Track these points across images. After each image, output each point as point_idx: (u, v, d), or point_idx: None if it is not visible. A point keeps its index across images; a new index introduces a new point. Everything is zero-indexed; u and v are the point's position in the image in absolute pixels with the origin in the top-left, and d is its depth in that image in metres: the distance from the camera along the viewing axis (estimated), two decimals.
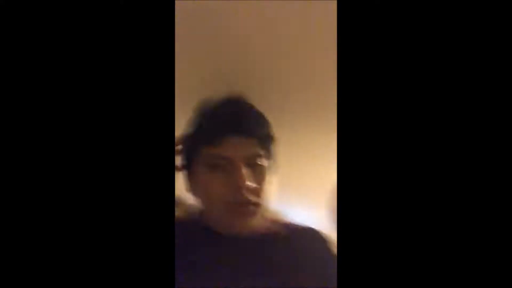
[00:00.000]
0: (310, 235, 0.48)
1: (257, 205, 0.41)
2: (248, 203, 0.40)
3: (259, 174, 0.42)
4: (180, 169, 0.45)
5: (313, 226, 0.50)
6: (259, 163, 0.42)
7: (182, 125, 0.49)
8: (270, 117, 0.59)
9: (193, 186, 0.44)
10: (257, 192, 0.41)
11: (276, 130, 0.50)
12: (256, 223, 0.42)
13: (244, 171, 0.40)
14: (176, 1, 0.33)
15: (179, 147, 0.44)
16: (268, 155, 0.44)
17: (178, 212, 0.44)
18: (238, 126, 0.41)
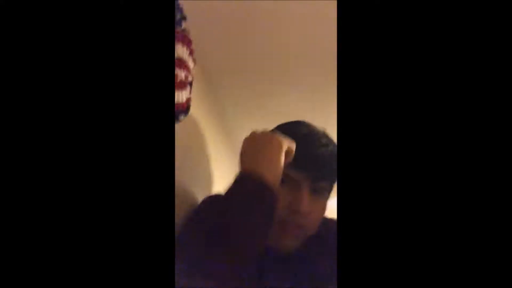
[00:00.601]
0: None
1: (306, 230, 0.42)
2: (300, 227, 0.41)
3: (318, 203, 0.43)
4: None
5: None
6: (321, 192, 0.43)
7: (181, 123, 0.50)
8: (269, 117, 0.60)
9: None
10: (312, 219, 0.42)
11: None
12: (296, 244, 0.42)
13: (308, 197, 0.40)
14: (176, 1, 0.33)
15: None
16: (330, 189, 0.45)
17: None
18: (315, 157, 0.41)
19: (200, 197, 0.63)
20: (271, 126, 0.56)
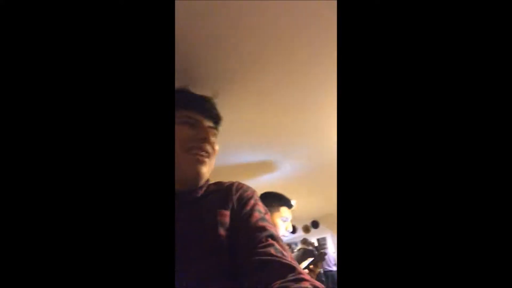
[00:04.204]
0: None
1: (208, 155, 0.57)
2: (204, 151, 0.56)
3: (213, 135, 0.60)
4: None
5: None
6: (213, 128, 0.61)
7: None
8: (266, 116, 0.61)
9: None
10: (210, 147, 0.58)
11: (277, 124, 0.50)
12: (205, 170, 0.56)
13: (206, 128, 0.57)
14: (176, 1, 0.33)
15: None
16: (216, 127, 0.63)
17: None
18: (204, 105, 0.61)
19: None
20: (269, 123, 0.58)
